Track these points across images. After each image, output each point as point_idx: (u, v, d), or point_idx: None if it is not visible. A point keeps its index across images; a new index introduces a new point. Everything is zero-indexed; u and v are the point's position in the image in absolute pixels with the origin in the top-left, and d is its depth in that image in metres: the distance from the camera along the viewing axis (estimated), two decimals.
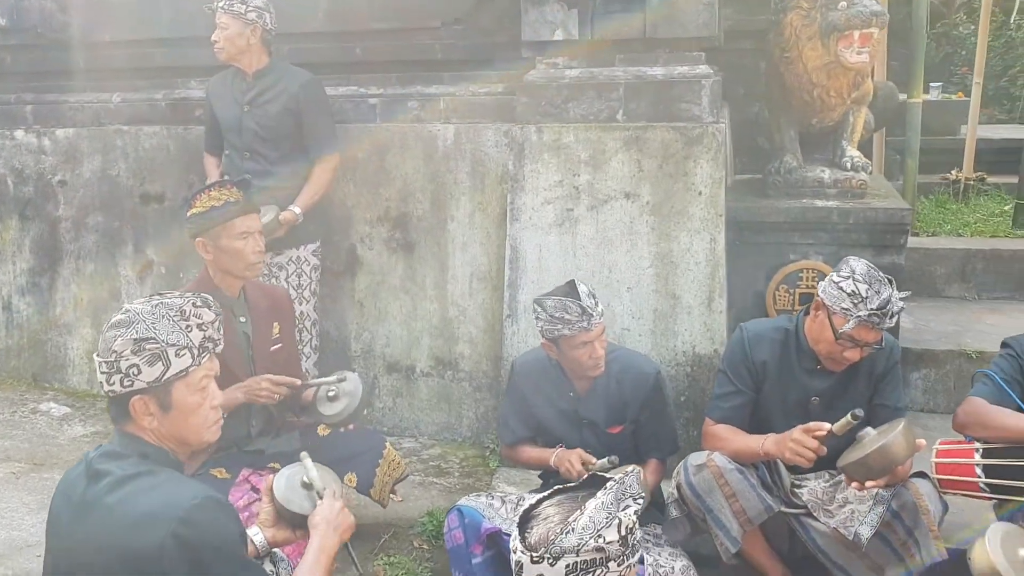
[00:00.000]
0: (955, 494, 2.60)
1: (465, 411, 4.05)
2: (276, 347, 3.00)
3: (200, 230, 2.80)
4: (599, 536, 1.44)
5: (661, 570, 2.70)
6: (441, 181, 3.96)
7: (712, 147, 3.50)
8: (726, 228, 3.97)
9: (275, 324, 3.00)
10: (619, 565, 1.46)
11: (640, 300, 3.63)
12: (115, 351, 1.70)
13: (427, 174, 3.97)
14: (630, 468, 2.19)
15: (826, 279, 2.65)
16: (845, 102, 3.91)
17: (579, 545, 1.43)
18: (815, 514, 2.70)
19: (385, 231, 4.06)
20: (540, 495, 1.59)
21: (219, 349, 1.82)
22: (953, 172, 6.69)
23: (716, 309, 3.55)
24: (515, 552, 1.50)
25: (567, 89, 3.64)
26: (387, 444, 3.15)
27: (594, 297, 2.86)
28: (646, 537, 2.89)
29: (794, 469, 2.81)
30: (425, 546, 3.17)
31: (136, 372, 1.69)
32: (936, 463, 2.60)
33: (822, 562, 2.70)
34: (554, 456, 2.94)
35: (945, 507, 2.62)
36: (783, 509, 2.72)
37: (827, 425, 2.47)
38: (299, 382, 2.86)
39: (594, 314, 2.79)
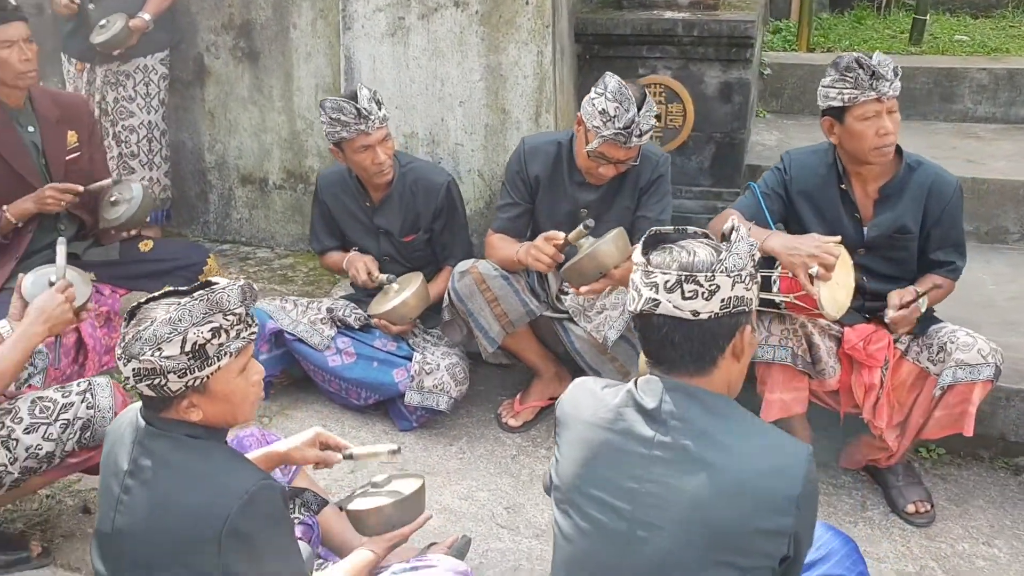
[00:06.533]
0: None
1: None
2: (73, 155, 3.05)
3: None
4: (158, 349, 1.47)
5: (427, 367, 2.89)
6: None
7: None
8: (576, 41, 3.90)
9: (70, 132, 3.04)
10: (181, 377, 1.49)
11: (472, 115, 3.62)
12: None
13: None
14: None
15: (588, 95, 2.66)
16: None
17: (139, 353, 1.48)
18: (576, 319, 2.84)
19: (230, 39, 3.99)
20: (157, 293, 1.57)
21: None
22: None
23: (543, 124, 3.53)
24: None
25: None
26: (209, 259, 3.25)
27: (378, 102, 2.86)
28: (426, 337, 3.07)
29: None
30: None
31: None
32: None
33: (579, 364, 2.88)
34: (346, 259, 3.08)
35: None
36: (547, 313, 2.87)
37: (562, 234, 2.56)
38: (81, 188, 2.93)
39: (372, 117, 2.80)
